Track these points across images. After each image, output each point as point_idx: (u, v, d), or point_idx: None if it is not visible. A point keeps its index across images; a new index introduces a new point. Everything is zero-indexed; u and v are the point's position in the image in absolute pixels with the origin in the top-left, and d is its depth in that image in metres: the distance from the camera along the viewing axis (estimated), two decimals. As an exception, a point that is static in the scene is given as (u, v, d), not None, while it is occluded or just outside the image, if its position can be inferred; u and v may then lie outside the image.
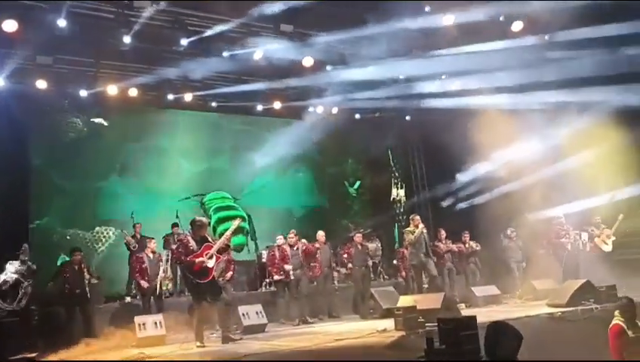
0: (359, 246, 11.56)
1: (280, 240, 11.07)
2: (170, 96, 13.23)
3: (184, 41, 11.17)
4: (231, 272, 9.80)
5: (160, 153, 14.07)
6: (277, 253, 10.80)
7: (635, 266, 10.47)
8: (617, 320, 6.90)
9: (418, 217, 11.17)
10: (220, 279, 9.12)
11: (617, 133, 10.77)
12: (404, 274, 12.08)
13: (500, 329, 4.88)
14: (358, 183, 16.16)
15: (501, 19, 11.51)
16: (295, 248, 10.57)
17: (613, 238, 11.29)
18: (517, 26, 11.63)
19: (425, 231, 10.98)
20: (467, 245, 12.52)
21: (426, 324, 7.71)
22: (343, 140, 15.53)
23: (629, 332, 6.79)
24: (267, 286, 12.05)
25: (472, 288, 11.47)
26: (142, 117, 13.95)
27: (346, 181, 16.24)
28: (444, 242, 12.29)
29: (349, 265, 11.46)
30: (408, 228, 11.07)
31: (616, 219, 11.35)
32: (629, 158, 10.70)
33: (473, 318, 5.58)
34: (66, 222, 12.71)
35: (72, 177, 12.93)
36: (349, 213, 15.96)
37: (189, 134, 14.29)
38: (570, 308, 9.04)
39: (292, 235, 10.76)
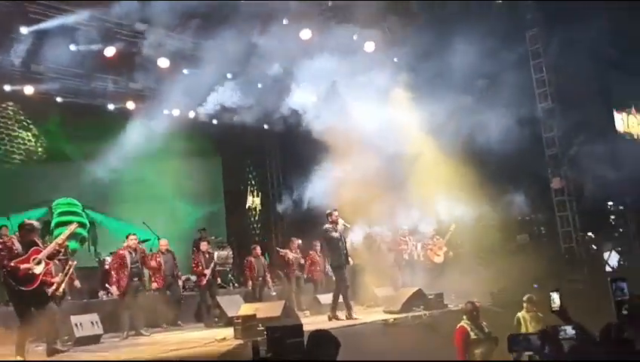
0: (206, 255, 11.44)
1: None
2: (7, 88, 12.18)
3: (24, 30, 10.37)
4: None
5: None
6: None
7: (465, 275, 11.37)
8: (463, 322, 7.65)
9: (337, 213, 9.81)
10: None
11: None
12: (250, 283, 12.10)
13: (319, 337, 5.08)
14: None
15: (354, 37, 12.06)
16: (134, 255, 9.92)
17: (445, 249, 12.19)
18: (369, 46, 12.24)
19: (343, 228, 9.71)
20: (319, 254, 12.80)
21: (265, 332, 7.77)
22: (200, 145, 15.27)
23: (472, 334, 7.51)
24: (109, 295, 11.46)
25: (317, 296, 11.80)
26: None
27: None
28: (294, 251, 12.52)
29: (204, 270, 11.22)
30: (327, 226, 9.72)
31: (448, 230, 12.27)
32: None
33: (300, 326, 5.71)
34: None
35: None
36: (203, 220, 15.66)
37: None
38: (403, 315, 9.65)
39: (133, 238, 10.26)
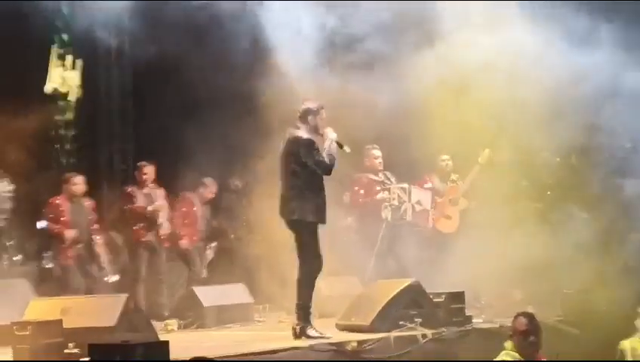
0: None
1: None
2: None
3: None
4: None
5: None
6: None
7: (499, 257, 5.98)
8: (507, 354, 3.81)
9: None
10: None
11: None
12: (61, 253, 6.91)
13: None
14: None
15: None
16: None
17: (465, 205, 6.66)
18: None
19: None
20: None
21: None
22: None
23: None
24: None
25: (194, 288, 6.52)
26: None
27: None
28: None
29: None
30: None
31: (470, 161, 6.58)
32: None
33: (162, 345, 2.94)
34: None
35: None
36: None
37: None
38: (378, 335, 4.87)
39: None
